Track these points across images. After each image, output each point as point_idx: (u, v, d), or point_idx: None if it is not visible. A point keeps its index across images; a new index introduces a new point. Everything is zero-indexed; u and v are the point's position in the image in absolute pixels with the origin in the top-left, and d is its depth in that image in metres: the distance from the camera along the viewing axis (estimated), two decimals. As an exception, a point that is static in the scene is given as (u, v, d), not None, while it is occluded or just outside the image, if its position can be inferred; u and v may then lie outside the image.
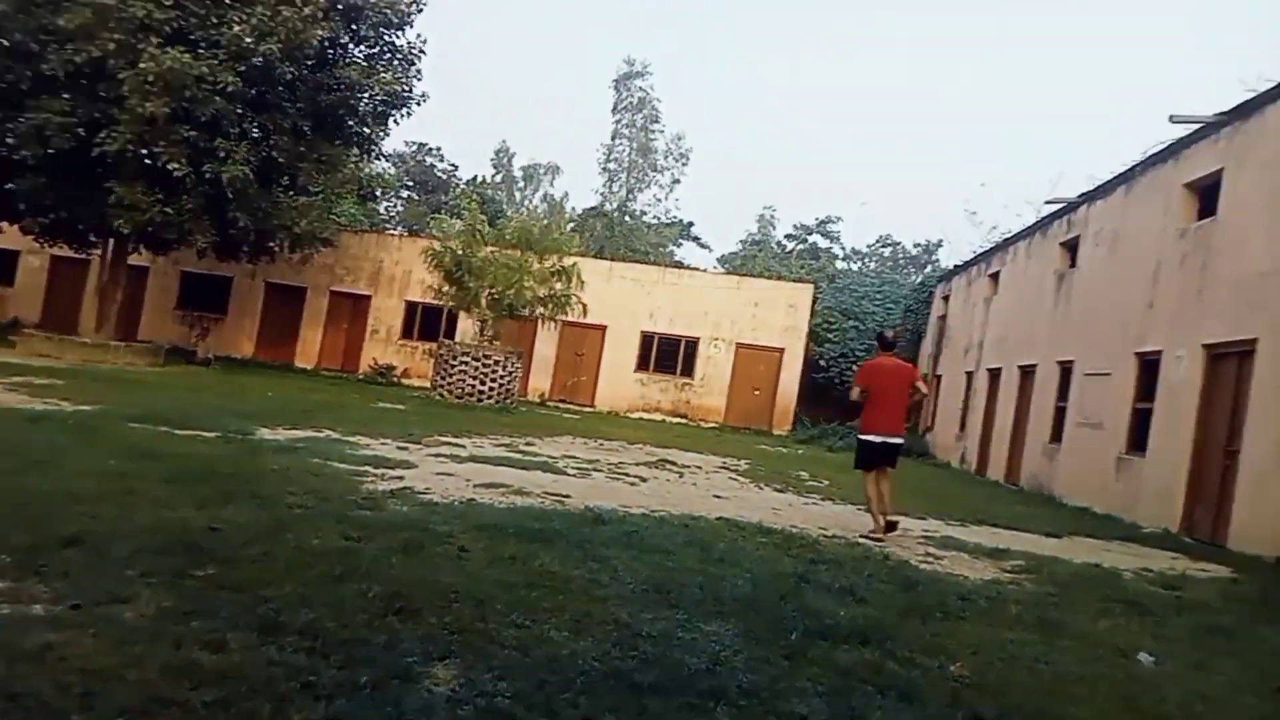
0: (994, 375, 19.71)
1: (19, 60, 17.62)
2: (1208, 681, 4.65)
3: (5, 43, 17.45)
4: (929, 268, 46.16)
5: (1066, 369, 15.79)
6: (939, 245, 49.77)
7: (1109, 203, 15.56)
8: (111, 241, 20.93)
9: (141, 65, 17.16)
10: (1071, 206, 17.14)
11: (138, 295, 26.32)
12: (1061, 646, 5.02)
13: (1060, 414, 15.69)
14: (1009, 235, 20.98)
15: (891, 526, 8.29)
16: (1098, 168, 37.51)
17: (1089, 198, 16.38)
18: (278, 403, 14.71)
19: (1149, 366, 13.01)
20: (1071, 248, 17.07)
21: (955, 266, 25.28)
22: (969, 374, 21.53)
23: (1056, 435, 15.64)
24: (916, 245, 52.22)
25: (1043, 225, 18.71)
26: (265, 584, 4.27)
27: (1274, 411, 9.92)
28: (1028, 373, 17.74)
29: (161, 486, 6.24)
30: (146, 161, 18.19)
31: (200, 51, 18.07)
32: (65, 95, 17.92)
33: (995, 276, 21.26)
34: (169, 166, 17.97)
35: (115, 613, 3.62)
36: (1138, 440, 12.87)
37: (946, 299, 25.35)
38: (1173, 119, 13.05)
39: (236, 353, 26.49)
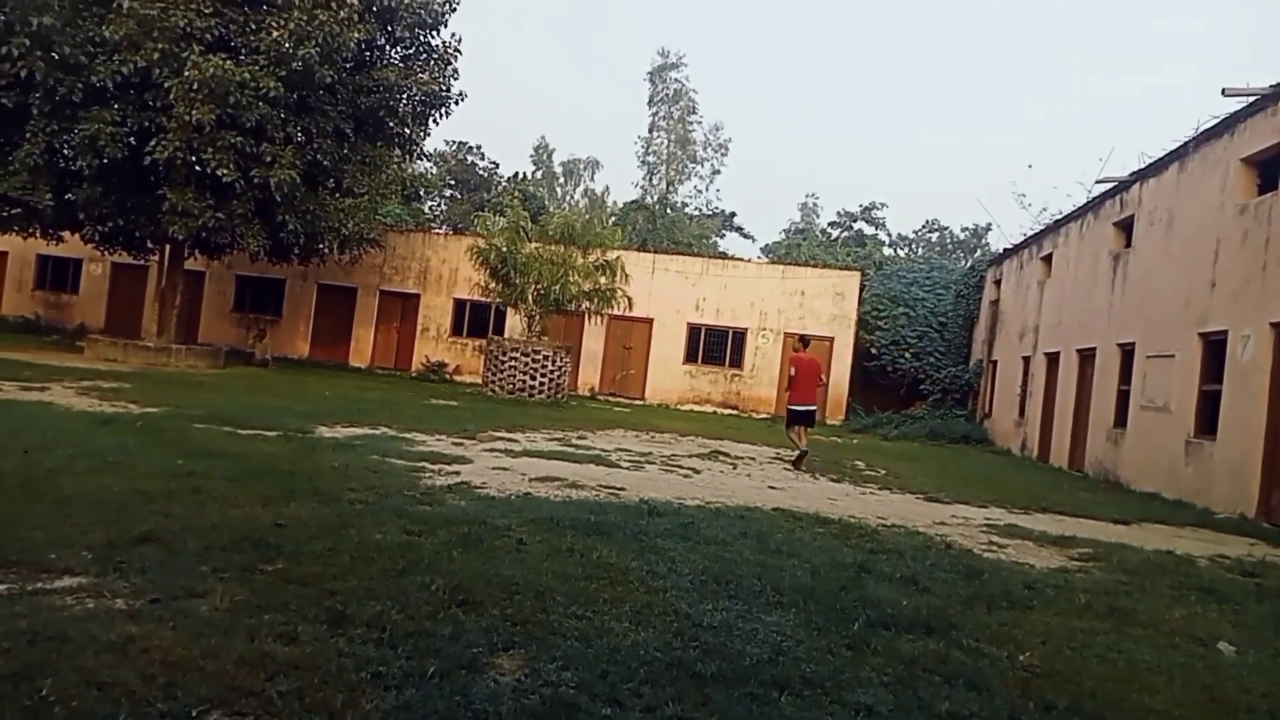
0: (1052, 359, 19.28)
1: (69, 72, 18.15)
2: (1292, 670, 4.49)
3: (55, 56, 17.97)
4: (978, 252, 45.37)
5: (1128, 351, 15.37)
6: (988, 229, 48.90)
7: (1162, 180, 15.09)
8: (168, 247, 21.49)
9: (186, 73, 17.57)
10: (1124, 185, 16.67)
11: (195, 299, 27.02)
12: (1134, 635, 4.89)
13: (1123, 398, 15.28)
14: (1060, 217, 20.47)
15: (803, 455, 12.29)
16: (1149, 145, 36.48)
17: (1141, 176, 15.91)
18: (334, 401, 14.98)
19: (1214, 347, 12.60)
20: (1126, 227, 16.60)
21: (1006, 250, 24.76)
22: (1025, 359, 21.09)
23: (1120, 420, 15.24)
24: (964, 230, 51.41)
25: (1094, 205, 18.22)
26: (332, 578, 4.35)
27: (1351, 390, 9.54)
28: (1087, 356, 17.32)
29: (227, 485, 6.39)
30: (196, 168, 18.63)
31: (241, 58, 18.46)
32: (115, 105, 18.44)
33: (1048, 259, 20.78)
34: (218, 172, 18.38)
35: (192, 606, 3.71)
36: (1207, 423, 12.48)
37: (998, 283, 24.85)
38: (1226, 92, 12.59)
39: (292, 353, 27.03)
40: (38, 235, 21.16)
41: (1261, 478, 10.94)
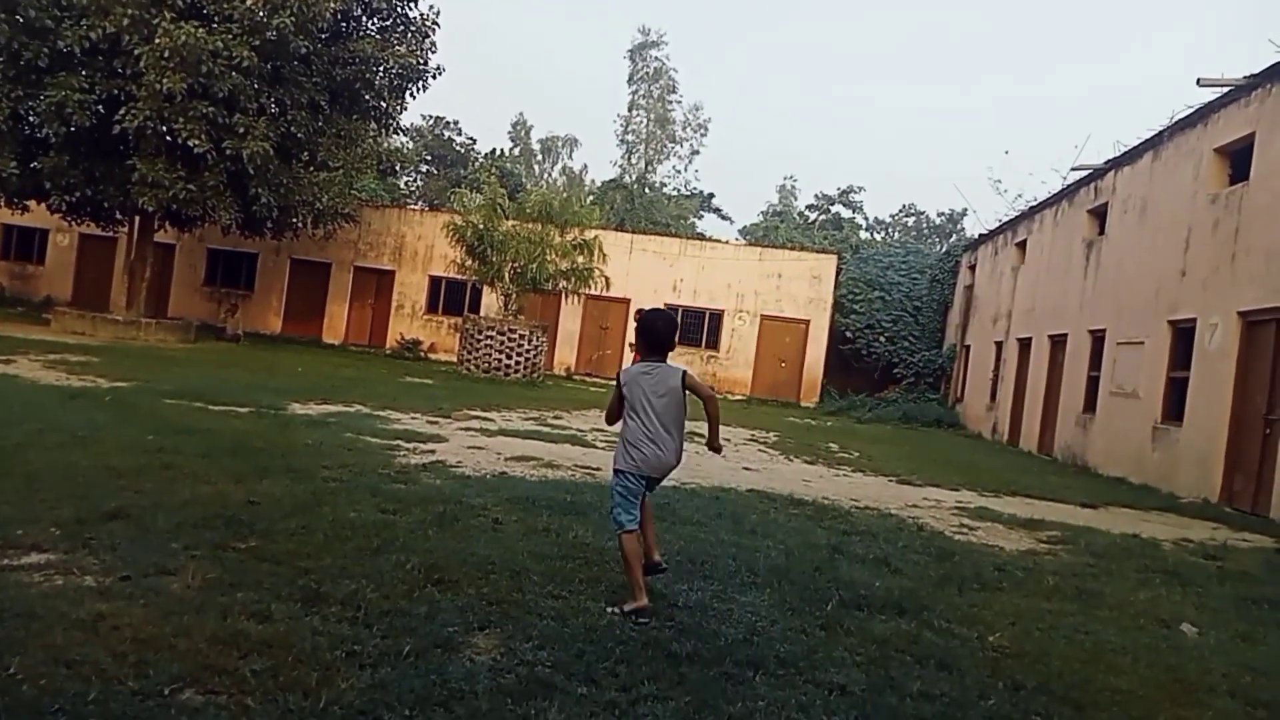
0: (1024, 345, 19.50)
1: (35, 36, 17.70)
2: (1253, 652, 4.59)
3: (20, 19, 17.51)
4: (954, 237, 45.68)
5: (1099, 338, 15.57)
6: (964, 214, 49.32)
7: (1137, 169, 15.24)
8: (137, 219, 21.10)
9: (157, 40, 17.20)
10: (1099, 173, 16.82)
11: (166, 272, 26.59)
12: (1101, 617, 4.98)
13: (1093, 383, 15.50)
14: (1035, 203, 20.64)
15: None
16: (1124, 133, 36.80)
17: (1116, 164, 16.06)
18: (307, 378, 14.84)
19: (1183, 334, 12.80)
20: (1100, 215, 16.77)
21: (981, 235, 24.95)
22: (998, 344, 21.32)
23: (1090, 405, 15.46)
24: (940, 214, 51.73)
25: (1070, 193, 18.38)
26: (305, 556, 4.32)
27: (1314, 379, 9.73)
28: (1058, 342, 17.53)
29: (198, 461, 6.32)
30: (167, 138, 18.29)
31: (214, 26, 18.08)
32: (83, 72, 18.01)
33: (1022, 245, 20.96)
34: (190, 143, 18.05)
35: (162, 584, 3.67)
36: (1174, 409, 12.69)
37: (973, 268, 25.05)
38: (1200, 82, 12.70)
39: (265, 329, 26.73)
40: (2, 204, 20.68)
41: (1225, 463, 11.15)
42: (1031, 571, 5.96)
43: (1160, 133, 14.40)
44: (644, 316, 4.52)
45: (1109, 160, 16.36)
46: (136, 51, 17.52)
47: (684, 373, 4.40)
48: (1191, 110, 13.40)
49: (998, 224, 23.28)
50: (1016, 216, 21.79)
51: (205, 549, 4.25)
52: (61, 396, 9.17)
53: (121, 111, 17.93)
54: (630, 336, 26.34)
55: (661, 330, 4.48)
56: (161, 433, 7.34)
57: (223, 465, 6.27)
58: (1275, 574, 6.81)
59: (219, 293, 27.46)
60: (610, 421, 4.63)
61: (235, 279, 27.61)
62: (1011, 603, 5.10)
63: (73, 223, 22.69)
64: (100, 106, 18.10)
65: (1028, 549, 6.88)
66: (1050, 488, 11.15)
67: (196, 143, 18.06)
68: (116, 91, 18.18)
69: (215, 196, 19.39)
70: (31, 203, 21.07)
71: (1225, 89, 12.40)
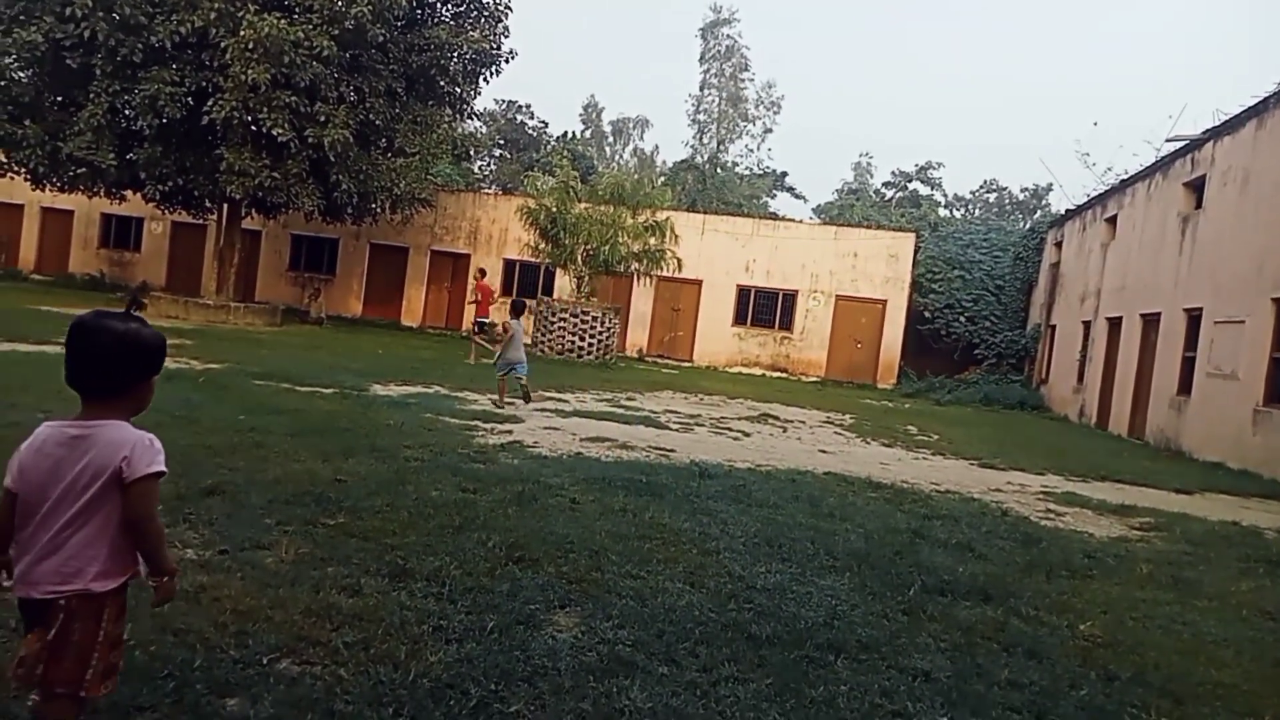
0: (1114, 324, 18.75)
1: (130, 32, 18.42)
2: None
3: (116, 16, 18.23)
4: (1038, 213, 44.11)
5: (1195, 316, 14.87)
6: (1049, 189, 47.53)
7: (1238, 139, 14.43)
8: (225, 206, 21.87)
9: (242, 33, 17.73)
10: (1196, 144, 15.99)
11: (252, 258, 27.52)
12: (1199, 607, 4.78)
13: (1188, 364, 14.82)
14: (1126, 177, 19.76)
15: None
16: (1223, 102, 34.91)
17: (1215, 134, 15.23)
18: (388, 360, 15.21)
19: (1289, 313, 12.12)
20: (1197, 188, 15.96)
21: (1068, 211, 24.01)
22: (1086, 324, 20.55)
23: (1185, 387, 14.79)
24: (1024, 190, 49.98)
25: (1163, 165, 17.53)
26: (391, 532, 4.44)
27: None
28: (1151, 321, 16.80)
29: (287, 440, 6.53)
30: (253, 128, 18.87)
31: (295, 17, 18.55)
32: (173, 65, 18.71)
33: (1112, 220, 20.11)
34: (274, 132, 18.59)
35: (258, 558, 3.82)
36: (1277, 392, 12.06)
37: (1059, 245, 24.16)
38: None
39: (346, 312, 27.46)
40: (101, 194, 21.66)
41: (1334, 449, 10.56)
42: (1123, 559, 5.75)
43: (1265, 100, 13.61)
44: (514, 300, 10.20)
45: (1207, 130, 15.54)
46: (223, 44, 18.11)
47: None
48: (1300, 74, 12.62)
49: (1086, 199, 22.38)
50: (1106, 191, 20.91)
51: (296, 524, 4.41)
52: (158, 378, 9.57)
53: (210, 103, 18.57)
54: (701, 316, 26.23)
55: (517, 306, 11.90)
56: (252, 412, 7.62)
57: (310, 444, 6.47)
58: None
59: (302, 277, 28.29)
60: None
61: (318, 264, 28.40)
62: (1103, 591, 4.93)
63: (166, 211, 23.64)
64: (190, 98, 18.78)
65: (1119, 535, 6.64)
66: (1142, 472, 10.72)
67: (280, 131, 18.59)
68: (205, 84, 18.83)
69: (298, 183, 19.96)
70: (128, 192, 22.04)
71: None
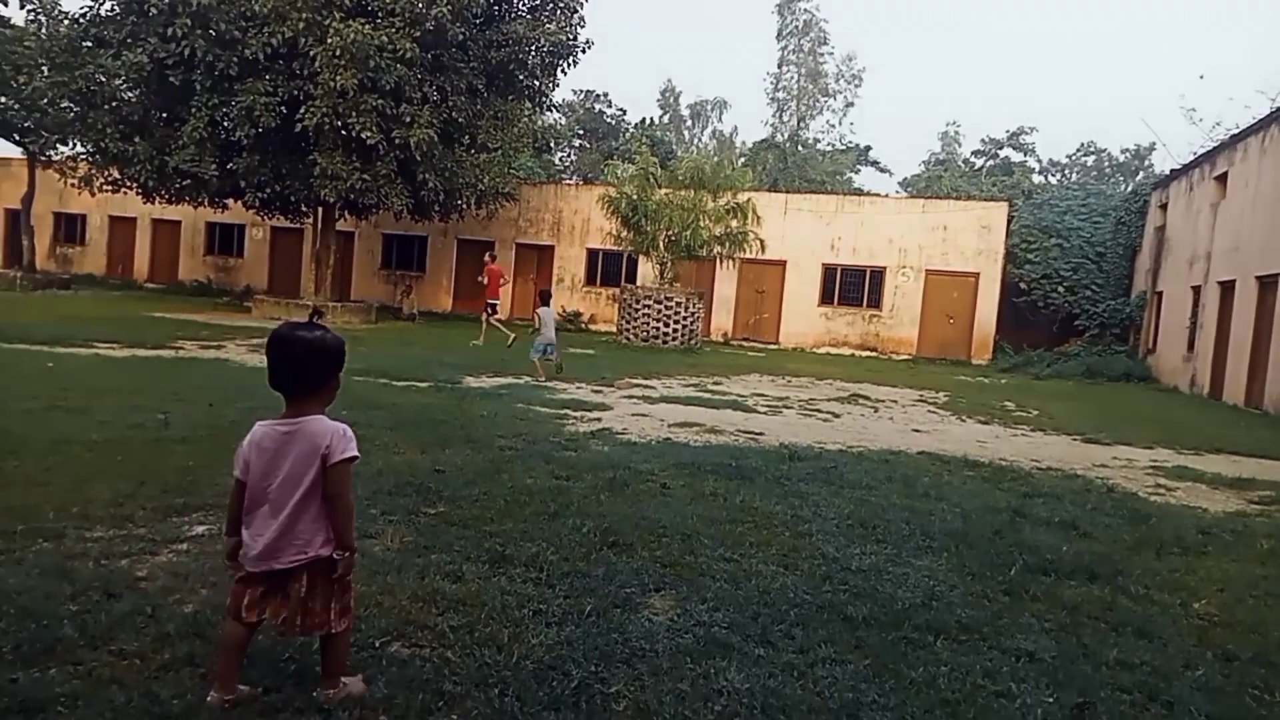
0: (1227, 288, 17.75)
1: (225, 47, 19.28)
2: None
3: (213, 32, 19.10)
4: (1140, 175, 42.03)
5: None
6: (1152, 149, 45.22)
7: (1370, 81, 13.43)
8: (320, 210, 22.71)
9: (329, 40, 18.35)
10: (1320, 91, 14.95)
11: (347, 258, 28.52)
12: (1326, 584, 4.53)
13: (1310, 328, 13.95)
14: (1237, 131, 18.62)
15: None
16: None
17: (1343, 78, 14.22)
18: (479, 353, 15.57)
19: None
20: (1320, 138, 14.95)
21: (1173, 171, 22.79)
22: (1196, 289, 19.51)
23: (1306, 352, 13.93)
24: (1124, 151, 47.65)
25: (1278, 117, 16.45)
26: (489, 520, 4.58)
27: None
28: (1268, 284, 15.84)
29: (387, 433, 6.78)
30: (343, 132, 19.51)
31: (379, 21, 19.07)
32: (266, 76, 19.50)
33: (1223, 179, 19.00)
34: (363, 135, 19.20)
35: (365, 546, 3.99)
36: None
37: (1164, 208, 22.97)
38: None
39: (436, 307, 28.20)
40: (206, 204, 22.78)
41: None
42: (1241, 534, 5.49)
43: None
44: (542, 290, 12.23)
45: (1328, 76, 14.52)
46: (312, 53, 18.78)
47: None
48: None
49: (1193, 157, 21.19)
50: (1215, 147, 19.76)
51: (400, 514, 4.59)
52: (265, 378, 10.05)
53: (302, 110, 19.29)
54: (785, 296, 25.96)
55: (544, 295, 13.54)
56: (353, 408, 7.90)
57: (409, 436, 6.71)
58: None
59: (394, 275, 29.17)
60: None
61: (408, 261, 29.23)
62: (1218, 568, 4.73)
63: (265, 217, 24.72)
64: (283, 107, 19.56)
65: (1235, 510, 6.33)
66: (1260, 444, 10.16)
67: (369, 134, 19.19)
68: (296, 92, 19.57)
69: (387, 184, 20.58)
70: (229, 201, 23.12)
71: None
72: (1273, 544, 5.26)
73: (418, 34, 19.11)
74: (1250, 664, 3.42)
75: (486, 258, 19.61)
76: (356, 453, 2.59)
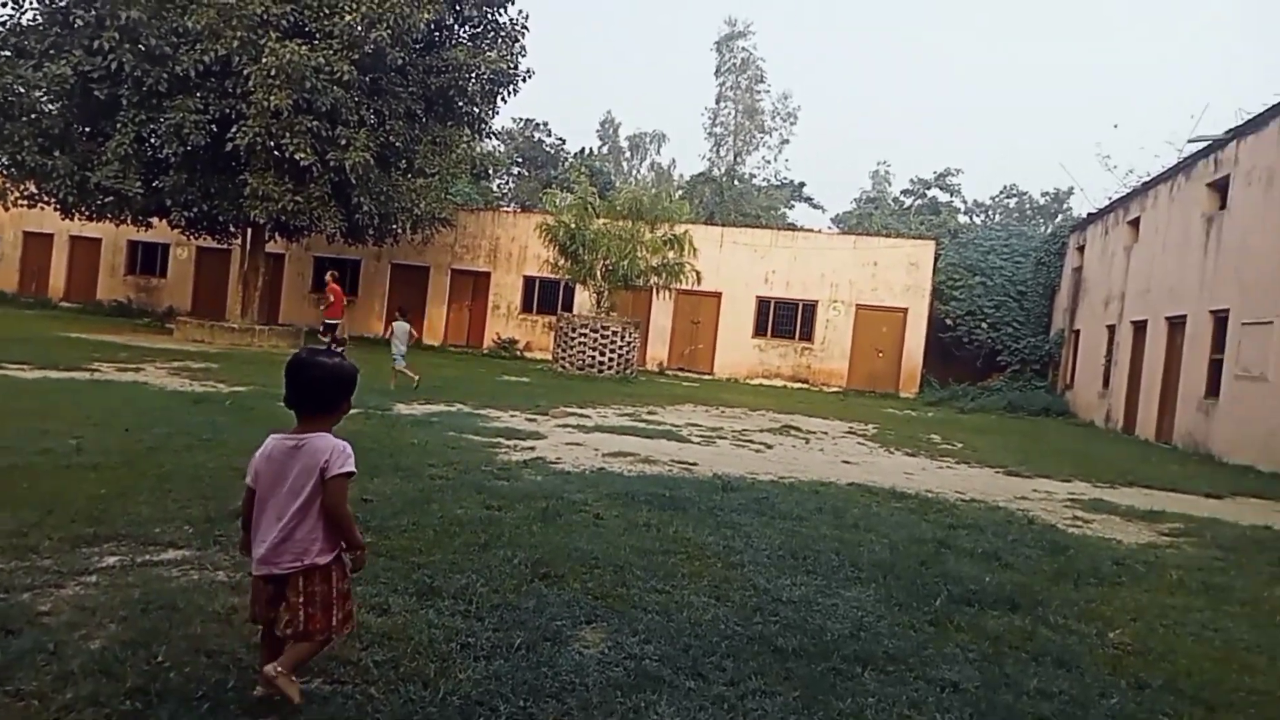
0: (1139, 328, 18.57)
1: (155, 63, 18.79)
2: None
3: (143, 47, 18.61)
4: (1059, 218, 43.79)
5: (1221, 318, 14.71)
6: (1070, 193, 47.18)
7: (1263, 138, 14.30)
8: (249, 231, 22.19)
9: (264, 60, 18.04)
10: (1219, 144, 15.86)
11: (276, 281, 27.89)
12: (1231, 613, 4.73)
13: (1216, 366, 14.65)
14: (1148, 179, 19.60)
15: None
16: (1246, 101, 34.48)
17: (1239, 133, 15.10)
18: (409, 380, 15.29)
19: (1317, 312, 11.96)
20: (1221, 188, 15.81)
21: (1090, 214, 23.84)
22: (1110, 328, 20.36)
23: (1213, 389, 14.61)
24: (1044, 194, 49.60)
25: (1186, 166, 17.39)
26: (418, 551, 4.48)
27: None
28: (1177, 324, 16.63)
29: (314, 461, 6.59)
30: (275, 153, 19.15)
31: (316, 42, 18.86)
32: (198, 94, 19.05)
33: (1135, 223, 19.95)
34: (296, 156, 18.86)
35: (288, 579, 3.87)
36: (1306, 393, 11.88)
37: (1082, 249, 23.98)
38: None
39: (368, 332, 27.70)
40: (128, 222, 22.04)
41: (1369, 450, 10.38)
42: (1153, 565, 5.70)
43: (1287, 98, 13.47)
44: (399, 308, 16.08)
45: (1231, 130, 15.41)
46: (245, 71, 18.42)
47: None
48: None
49: (1108, 202, 22.21)
50: (1128, 193, 20.75)
51: (325, 545, 4.45)
52: (186, 401, 9.74)
53: (233, 129, 18.88)
54: (721, 328, 26.23)
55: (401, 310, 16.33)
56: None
57: (337, 465, 6.52)
58: None
59: (326, 299, 28.60)
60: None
61: (340, 285, 28.67)
62: (1132, 598, 4.89)
63: (191, 236, 24.02)
64: (214, 126, 19.11)
65: (1148, 542, 6.57)
66: (1170, 477, 10.60)
67: (302, 156, 18.87)
68: (228, 110, 19.15)
69: (320, 207, 20.22)
70: (154, 219, 22.40)
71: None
72: (1182, 574, 5.47)
73: (356, 57, 18.93)
74: (1161, 691, 3.53)
75: (328, 277, 18.87)
76: (354, 469, 2.78)
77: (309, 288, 28.80)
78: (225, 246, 25.74)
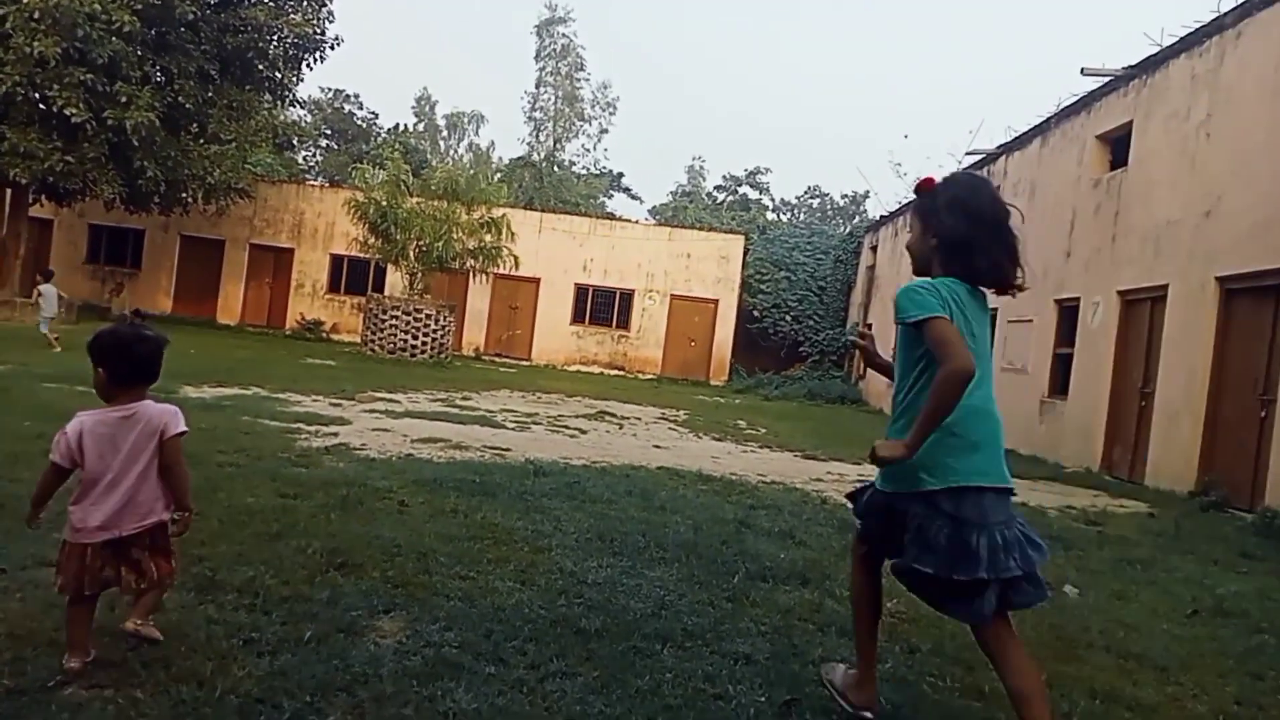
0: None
1: None
2: (1127, 609, 4.91)
3: None
4: (856, 218, 46.84)
5: (990, 316, 16.25)
6: (866, 196, 50.56)
7: (1026, 154, 15.93)
8: (9, 192, 19.78)
9: (25, 0, 16.09)
10: (991, 158, 17.51)
11: (43, 249, 25.02)
12: (990, 580, 5.21)
13: (984, 360, 16.18)
14: (934, 186, 21.32)
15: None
16: (1016, 119, 38.33)
17: (1007, 149, 16.75)
18: (200, 360, 14.19)
19: (1068, 313, 13.49)
20: (994, 198, 17.46)
21: (882, 216, 25.68)
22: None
23: (981, 380, 16.13)
24: (844, 196, 52.95)
25: (967, 176, 19.06)
26: (199, 543, 4.15)
27: (1183, 354, 10.41)
28: (953, 320, 18.20)
29: (81, 447, 5.97)
30: (41, 106, 17.17)
31: (92, -14, 17.03)
32: (-59, 32, 16.78)
33: (921, 227, 21.67)
34: (66, 111, 17.01)
35: (43, 576, 3.47)
36: (1060, 384, 13.38)
37: (874, 249, 25.78)
38: (1084, 72, 13.38)
39: (154, 308, 25.41)
40: None
41: (1105, 434, 11.84)
42: (927, 540, 6.19)
43: (1047, 120, 15.07)
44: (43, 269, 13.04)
45: (1000, 145, 17.04)
46: (2, 11, 16.33)
47: None
48: (1076, 99, 14.08)
49: (898, 206, 23.99)
50: (911, 200, 22.48)
51: (89, 539, 4.03)
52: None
53: (-12, 76, 16.74)
54: (539, 314, 26.17)
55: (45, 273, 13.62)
56: (41, 419, 6.92)
57: (108, 451, 5.95)
58: (1147, 537, 7.28)
59: (102, 271, 26.02)
60: None
61: (120, 256, 26.19)
62: (908, 570, 5.29)
63: (-65, 195, 21.09)
64: (-37, 70, 16.86)
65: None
66: (945, 460, 11.58)
67: (74, 111, 17.02)
68: (-18, 54, 16.96)
69: (96, 169, 18.33)
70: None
71: (1106, 79, 13.06)
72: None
73: (139, 7, 17.27)
74: (929, 655, 3.85)
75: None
76: (186, 428, 2.97)
77: (83, 258, 26.09)
78: (-21, 208, 22.78)
